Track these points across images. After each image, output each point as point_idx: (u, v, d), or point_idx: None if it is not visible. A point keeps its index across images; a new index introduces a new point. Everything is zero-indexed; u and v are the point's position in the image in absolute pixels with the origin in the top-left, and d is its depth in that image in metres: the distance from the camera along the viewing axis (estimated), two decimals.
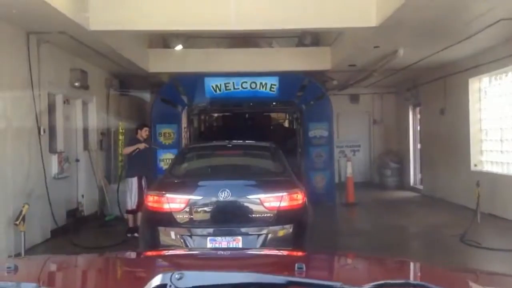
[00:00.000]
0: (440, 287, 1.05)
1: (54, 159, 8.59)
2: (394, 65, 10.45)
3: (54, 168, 8.55)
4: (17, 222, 6.64)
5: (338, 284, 1.05)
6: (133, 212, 8.39)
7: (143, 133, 8.77)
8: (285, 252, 2.47)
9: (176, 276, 1.07)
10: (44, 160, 7.87)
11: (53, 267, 1.95)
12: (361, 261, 2.08)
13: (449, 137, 11.51)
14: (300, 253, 2.60)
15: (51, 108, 8.60)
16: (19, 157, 7.21)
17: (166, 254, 2.57)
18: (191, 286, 1.07)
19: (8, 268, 1.58)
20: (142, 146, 8.54)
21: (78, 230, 8.79)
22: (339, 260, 2.15)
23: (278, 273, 1.26)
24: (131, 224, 8.40)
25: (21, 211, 6.70)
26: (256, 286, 1.07)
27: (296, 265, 1.46)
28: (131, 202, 8.41)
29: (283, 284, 1.06)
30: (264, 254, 2.47)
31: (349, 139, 15.53)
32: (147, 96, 12.86)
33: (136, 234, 7.95)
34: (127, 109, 12.53)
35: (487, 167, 10.40)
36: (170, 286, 1.06)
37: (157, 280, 1.09)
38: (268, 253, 2.53)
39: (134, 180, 8.41)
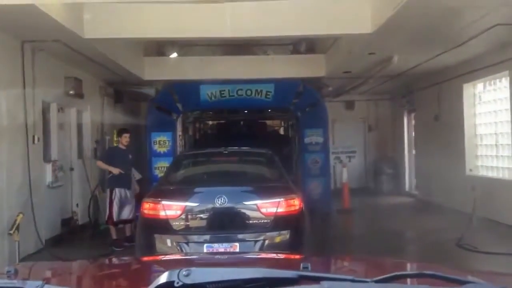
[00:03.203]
0: (453, 276, 1.04)
1: (48, 168, 8.52)
2: (389, 72, 10.49)
3: (48, 177, 8.47)
4: (11, 232, 6.58)
5: (350, 277, 1.03)
6: (107, 223, 8.30)
7: (123, 140, 8.35)
8: (286, 255, 2.45)
9: (184, 272, 1.05)
10: (38, 169, 7.81)
11: (53, 271, 1.93)
12: (364, 261, 2.07)
13: (444, 142, 11.54)
14: (301, 256, 2.59)
15: (45, 117, 8.55)
16: (13, 166, 7.14)
17: (168, 258, 2.55)
18: (198, 282, 1.05)
19: (8, 272, 1.56)
20: (116, 171, 8.06)
21: (71, 240, 8.71)
22: (342, 260, 2.14)
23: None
24: (114, 236, 8.23)
25: (15, 221, 6.64)
26: (264, 281, 1.05)
27: (302, 264, 1.44)
28: (106, 213, 8.30)
29: (294, 279, 1.04)
30: (266, 257, 2.45)
31: (345, 145, 15.56)
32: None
33: (117, 248, 7.93)
34: (121, 117, 12.47)
35: (483, 172, 10.43)
36: (178, 282, 1.04)
37: (164, 277, 1.07)
38: (270, 256, 2.51)
39: (108, 192, 8.28)
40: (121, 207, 8.11)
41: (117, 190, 8.15)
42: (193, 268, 1.06)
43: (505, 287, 1.05)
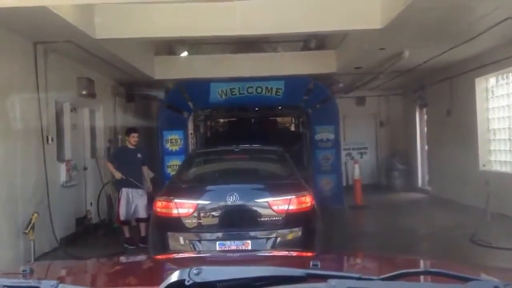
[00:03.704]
0: (459, 273, 1.05)
1: (62, 167, 8.61)
2: (400, 67, 10.42)
3: (62, 177, 8.56)
4: (27, 231, 6.67)
5: (356, 275, 1.05)
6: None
7: (131, 139, 8.41)
8: (298, 253, 2.47)
9: (194, 271, 1.07)
10: (52, 168, 7.91)
11: (68, 271, 1.97)
12: (374, 259, 2.08)
13: (457, 137, 11.45)
14: (312, 254, 2.60)
15: (59, 117, 8.64)
16: (28, 166, 7.24)
17: (181, 256, 2.58)
18: (209, 280, 1.07)
19: (23, 271, 1.59)
20: (118, 176, 8.20)
21: (85, 238, 8.81)
22: (352, 258, 2.16)
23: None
24: (127, 234, 8.32)
25: (30, 220, 6.74)
26: (273, 280, 1.06)
27: (311, 262, 1.46)
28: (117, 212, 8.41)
29: (302, 277, 1.06)
30: (277, 255, 2.47)
31: (356, 141, 15.51)
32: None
33: (130, 247, 8.01)
34: (133, 116, 12.56)
35: (496, 167, 10.33)
36: (188, 281, 1.06)
37: (175, 275, 1.09)
38: (281, 254, 2.53)
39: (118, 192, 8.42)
40: (129, 206, 8.17)
41: (124, 190, 8.22)
42: (203, 267, 1.08)
43: (509, 283, 1.05)
